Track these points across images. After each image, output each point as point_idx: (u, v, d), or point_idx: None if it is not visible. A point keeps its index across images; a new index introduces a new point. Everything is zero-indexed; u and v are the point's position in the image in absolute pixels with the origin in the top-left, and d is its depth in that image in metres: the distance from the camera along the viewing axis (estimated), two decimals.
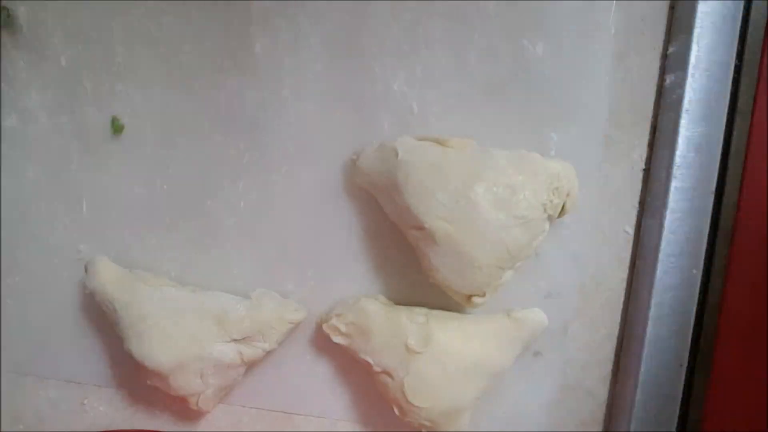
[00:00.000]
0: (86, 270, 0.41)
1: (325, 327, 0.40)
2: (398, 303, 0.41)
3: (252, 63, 0.40)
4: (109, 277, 0.41)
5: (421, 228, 0.35)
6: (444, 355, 0.37)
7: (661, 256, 0.40)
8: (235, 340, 0.39)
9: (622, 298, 0.42)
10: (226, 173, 0.41)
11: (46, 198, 0.43)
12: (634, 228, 0.41)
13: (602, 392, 0.42)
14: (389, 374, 0.38)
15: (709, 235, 0.40)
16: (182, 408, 0.42)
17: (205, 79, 0.40)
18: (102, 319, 0.42)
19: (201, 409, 0.40)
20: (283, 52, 0.40)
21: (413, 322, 0.38)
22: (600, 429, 0.43)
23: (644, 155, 0.40)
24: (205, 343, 0.39)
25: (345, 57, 0.39)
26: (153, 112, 0.41)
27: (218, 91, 0.40)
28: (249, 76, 0.40)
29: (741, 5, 0.38)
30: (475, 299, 0.36)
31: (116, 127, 0.40)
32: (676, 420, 0.41)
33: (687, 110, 0.39)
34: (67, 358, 0.44)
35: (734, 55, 0.39)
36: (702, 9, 0.38)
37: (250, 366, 0.41)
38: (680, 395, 0.41)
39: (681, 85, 0.39)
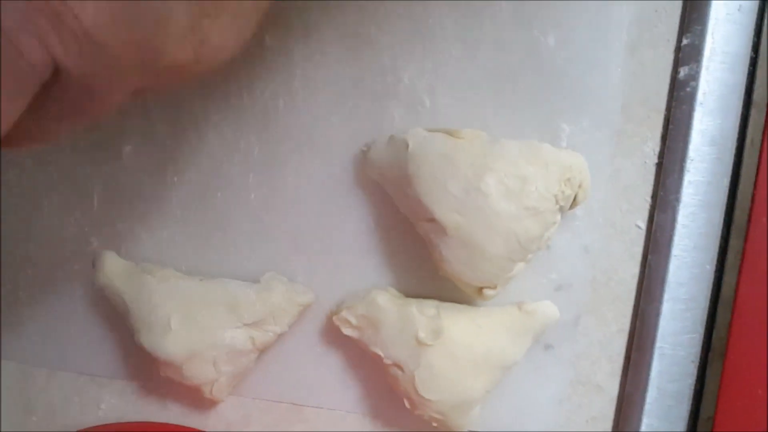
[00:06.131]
0: (94, 266, 0.41)
1: (335, 319, 0.40)
2: (409, 295, 0.40)
3: (262, 54, 0.40)
4: (116, 271, 0.41)
5: (431, 220, 0.35)
6: (455, 347, 0.37)
7: (674, 251, 0.39)
8: (246, 325, 0.39)
9: (633, 294, 0.41)
10: (236, 166, 0.41)
11: (57, 192, 0.43)
12: (646, 222, 0.41)
13: (613, 388, 0.42)
14: (400, 367, 0.38)
15: (723, 229, 0.40)
16: (194, 399, 0.42)
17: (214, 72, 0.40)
18: (113, 312, 0.42)
19: (214, 397, 0.41)
20: (294, 43, 0.39)
21: (424, 314, 0.38)
22: (610, 425, 0.42)
23: (657, 148, 0.40)
24: (216, 330, 0.39)
25: (356, 49, 0.39)
26: (162, 106, 0.41)
27: (228, 83, 0.40)
28: (259, 68, 0.40)
29: None
30: (487, 292, 0.36)
31: None
32: (687, 417, 0.41)
33: (701, 103, 0.38)
34: (79, 351, 0.44)
35: (749, 47, 0.38)
36: (717, 0, 0.38)
37: (262, 353, 0.41)
38: (692, 392, 0.41)
39: (695, 77, 0.38)
